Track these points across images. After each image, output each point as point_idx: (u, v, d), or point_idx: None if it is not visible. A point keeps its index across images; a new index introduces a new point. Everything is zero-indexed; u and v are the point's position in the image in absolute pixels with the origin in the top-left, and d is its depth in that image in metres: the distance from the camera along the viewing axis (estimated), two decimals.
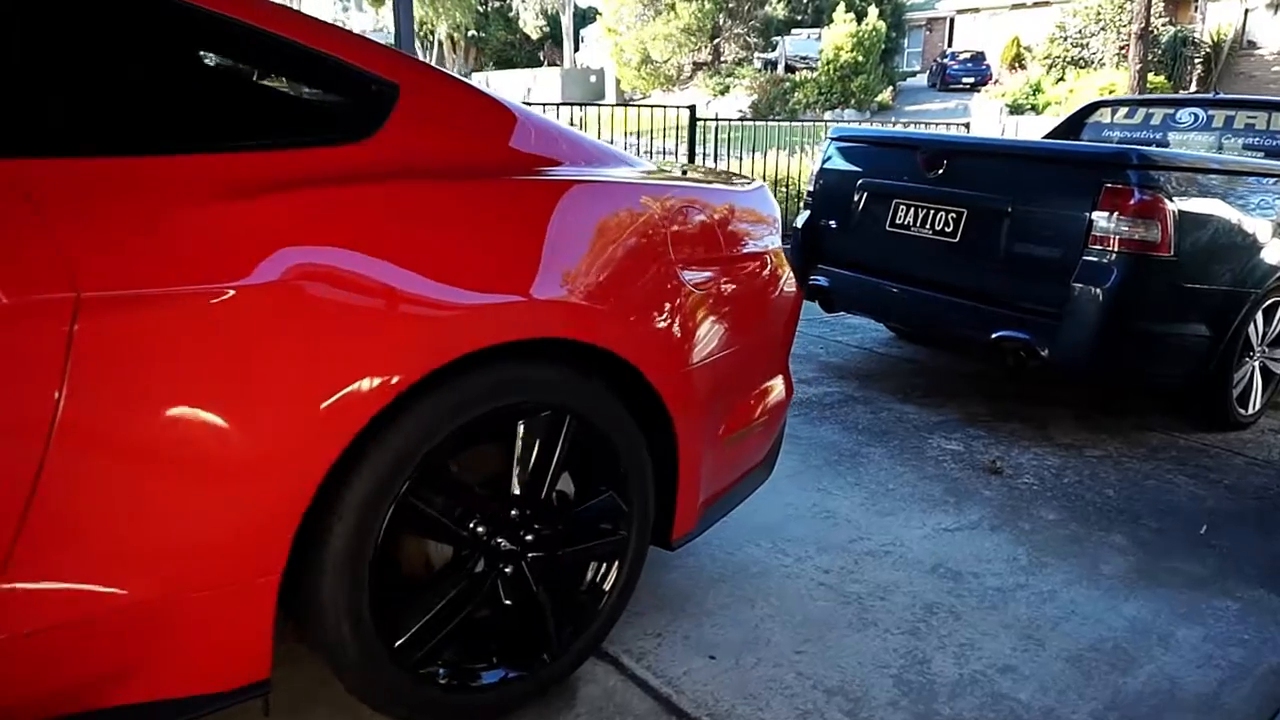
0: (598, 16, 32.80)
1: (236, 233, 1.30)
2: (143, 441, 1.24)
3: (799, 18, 29.95)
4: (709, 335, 1.87)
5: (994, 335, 3.43)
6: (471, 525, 1.61)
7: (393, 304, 1.40)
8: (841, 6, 25.81)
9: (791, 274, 2.18)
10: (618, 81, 31.23)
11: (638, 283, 1.71)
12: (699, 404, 1.85)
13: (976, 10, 31.18)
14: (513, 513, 1.66)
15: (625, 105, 9.70)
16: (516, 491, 1.65)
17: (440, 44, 35.98)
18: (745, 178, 2.35)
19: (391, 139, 1.51)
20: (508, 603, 1.67)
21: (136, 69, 1.44)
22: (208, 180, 1.30)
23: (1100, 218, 3.16)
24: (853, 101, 25.32)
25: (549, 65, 35.52)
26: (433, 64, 1.75)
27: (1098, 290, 3.15)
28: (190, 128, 1.39)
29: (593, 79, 32.45)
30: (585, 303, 1.61)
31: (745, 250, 2.01)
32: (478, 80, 24.89)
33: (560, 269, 1.60)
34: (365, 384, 1.36)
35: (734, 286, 1.95)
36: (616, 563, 1.81)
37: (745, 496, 2.20)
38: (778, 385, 2.22)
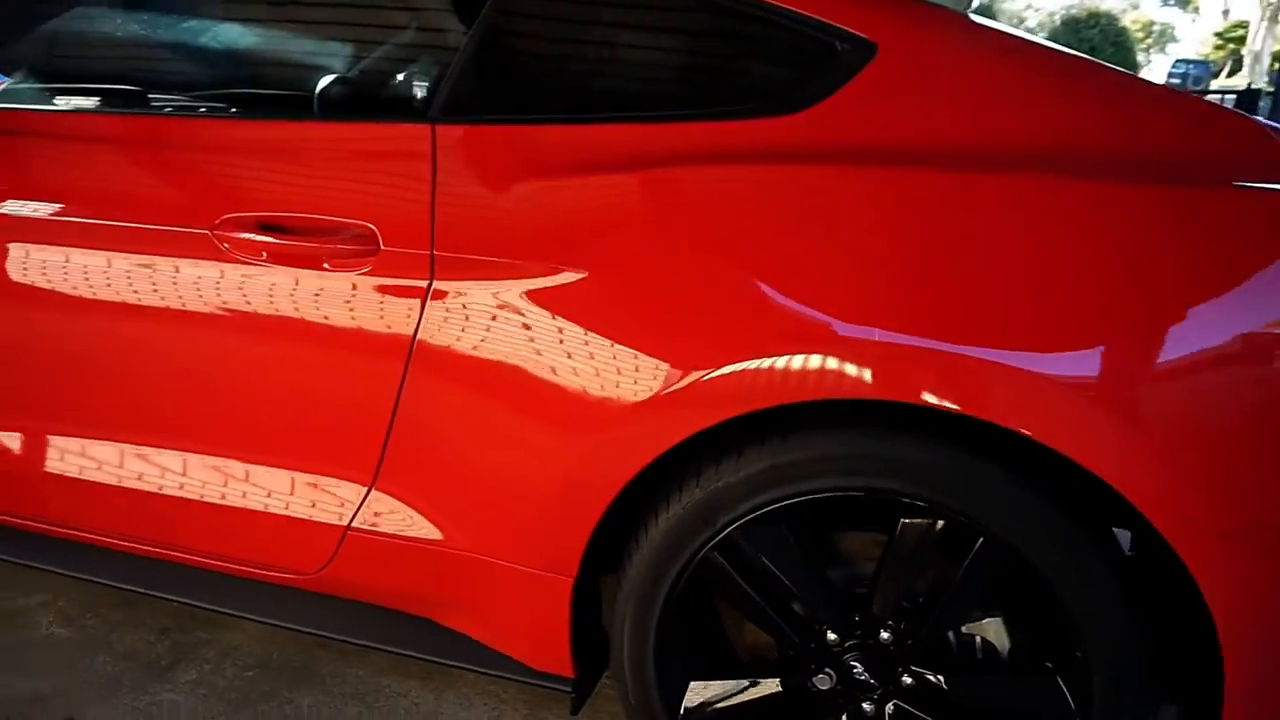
0: None
1: (580, 211, 1.19)
2: (466, 399, 1.26)
3: None
4: None
5: None
6: (810, 625, 1.19)
7: (740, 313, 1.11)
8: None
9: None
10: None
11: (1156, 360, 0.98)
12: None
13: None
14: (883, 635, 1.17)
15: None
16: (883, 611, 1.16)
17: None
18: None
19: (836, 112, 1.16)
20: None
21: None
22: (576, 151, 1.22)
23: None
24: None
25: None
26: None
27: None
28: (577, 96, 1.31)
29: None
30: (1028, 368, 1.00)
31: None
32: None
33: (1011, 306, 1.03)
34: (679, 398, 1.12)
35: None
36: None
37: None
38: None
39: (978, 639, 1.19)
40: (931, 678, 1.16)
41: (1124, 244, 1.03)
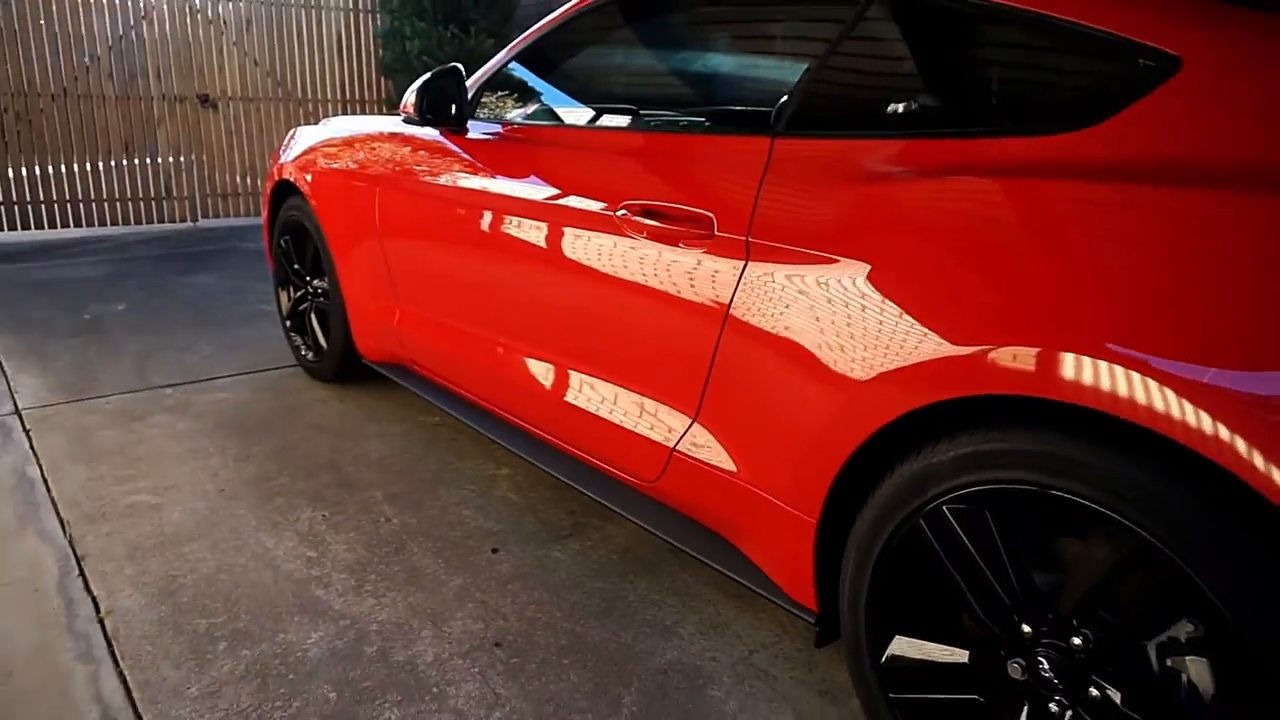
0: None
1: (859, 211, 1.40)
2: (760, 355, 1.56)
3: None
4: None
5: None
6: (1005, 612, 1.26)
7: (989, 313, 1.22)
8: None
9: None
10: None
11: None
12: None
13: None
14: (1074, 640, 1.19)
15: None
16: (1069, 613, 1.18)
17: None
18: None
19: (1129, 128, 1.20)
20: None
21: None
22: (866, 162, 1.43)
23: None
24: None
25: None
26: None
27: None
28: (882, 111, 1.47)
29: None
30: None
31: None
32: None
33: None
34: (910, 378, 1.30)
35: None
36: None
37: None
38: None
39: (1184, 677, 1.14)
40: (1113, 695, 1.16)
41: None
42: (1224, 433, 1.00)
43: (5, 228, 6.76)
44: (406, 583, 2.03)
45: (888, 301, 1.34)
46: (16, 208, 6.76)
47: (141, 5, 6.92)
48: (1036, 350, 1.15)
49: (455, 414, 2.52)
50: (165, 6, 7.02)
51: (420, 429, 2.94)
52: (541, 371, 2.12)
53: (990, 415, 1.24)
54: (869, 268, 1.38)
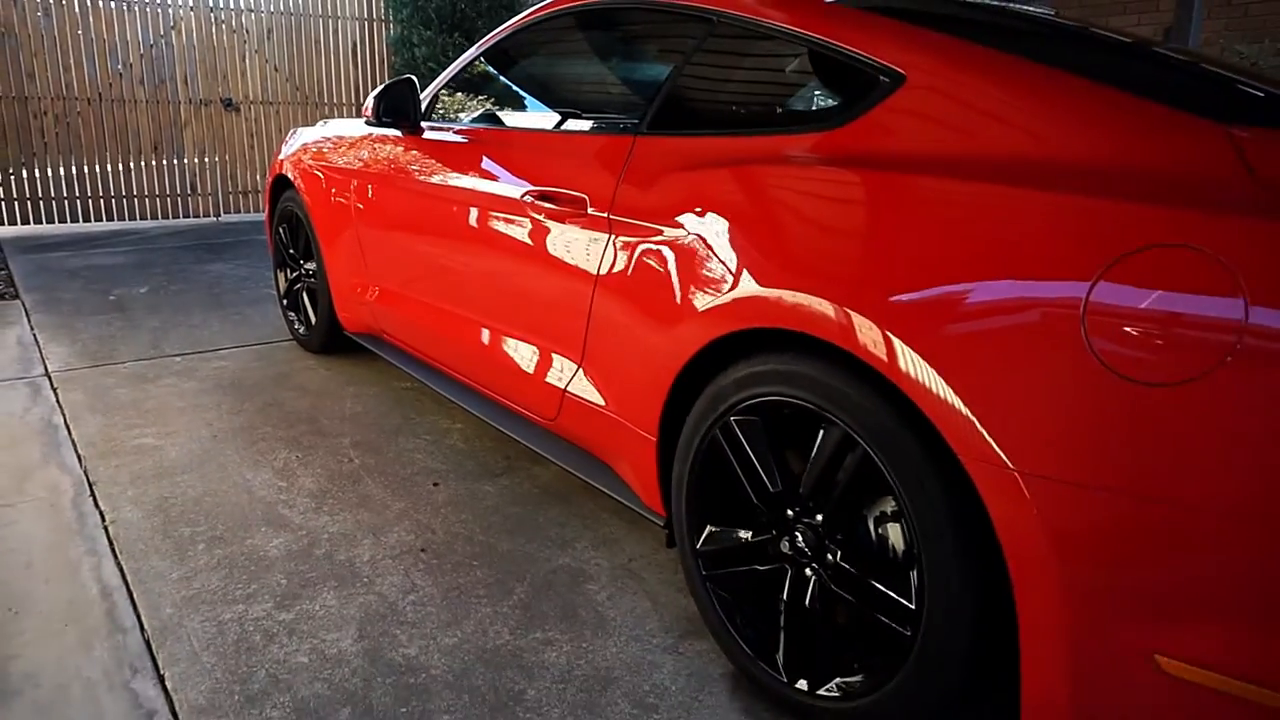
0: None
1: (679, 192, 1.78)
2: (617, 307, 1.95)
3: None
4: (1138, 447, 1.14)
5: None
6: (773, 500, 1.64)
7: (754, 265, 1.61)
8: None
9: None
10: None
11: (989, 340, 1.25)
12: (1063, 547, 1.19)
13: None
14: (818, 517, 1.57)
15: None
16: (808, 496, 1.56)
17: None
18: None
19: (863, 129, 1.56)
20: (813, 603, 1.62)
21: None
22: (691, 155, 1.81)
23: None
24: None
25: None
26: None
27: None
28: (698, 116, 1.86)
29: None
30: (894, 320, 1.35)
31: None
32: None
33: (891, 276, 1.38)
34: (706, 319, 1.68)
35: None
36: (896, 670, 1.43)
37: None
38: None
39: (891, 544, 1.51)
40: (839, 556, 1.53)
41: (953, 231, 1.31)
42: (880, 346, 1.36)
43: (44, 221, 7.31)
44: (357, 506, 2.44)
45: (689, 261, 1.72)
46: (54, 203, 7.31)
47: (171, 16, 7.45)
48: (786, 294, 1.52)
49: (416, 375, 2.92)
50: (193, 17, 7.54)
51: (391, 391, 3.36)
52: (474, 332, 2.52)
53: (759, 345, 1.61)
54: (682, 234, 1.75)
